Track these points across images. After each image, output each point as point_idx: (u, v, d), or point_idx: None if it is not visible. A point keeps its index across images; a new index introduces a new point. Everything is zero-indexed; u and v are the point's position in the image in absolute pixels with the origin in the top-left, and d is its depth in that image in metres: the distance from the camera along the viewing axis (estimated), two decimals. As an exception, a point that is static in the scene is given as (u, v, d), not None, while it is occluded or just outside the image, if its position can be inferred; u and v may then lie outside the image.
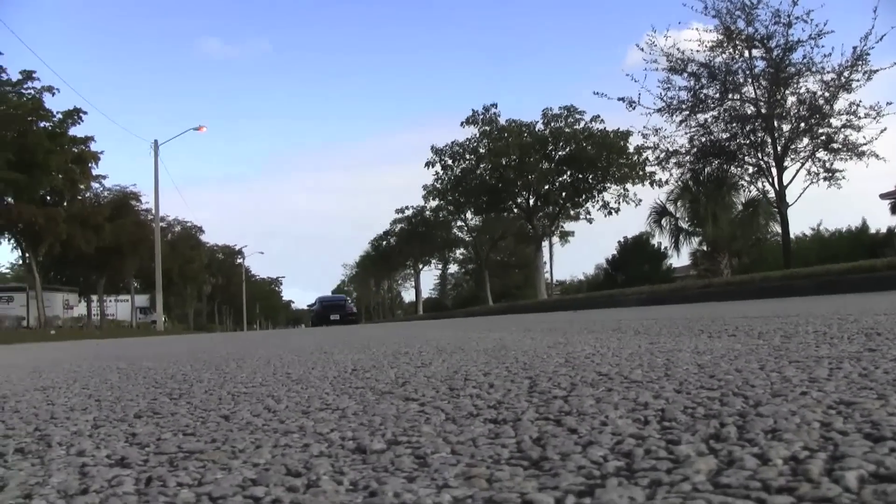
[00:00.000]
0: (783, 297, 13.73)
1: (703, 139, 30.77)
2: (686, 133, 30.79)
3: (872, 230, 44.48)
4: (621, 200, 46.93)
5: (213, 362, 5.38)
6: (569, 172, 47.79)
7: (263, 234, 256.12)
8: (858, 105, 27.31)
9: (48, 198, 44.47)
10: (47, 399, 3.31)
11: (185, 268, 71.68)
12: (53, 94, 39.64)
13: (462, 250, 77.77)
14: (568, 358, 3.53)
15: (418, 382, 2.92)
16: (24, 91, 39.29)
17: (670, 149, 31.17)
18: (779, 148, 28.61)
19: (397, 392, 2.65)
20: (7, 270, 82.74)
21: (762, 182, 30.55)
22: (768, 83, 28.84)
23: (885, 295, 10.15)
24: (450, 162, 49.60)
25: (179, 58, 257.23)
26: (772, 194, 29.82)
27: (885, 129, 27.04)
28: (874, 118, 27.05)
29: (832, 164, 28.41)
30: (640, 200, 45.58)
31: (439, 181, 50.94)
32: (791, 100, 28.68)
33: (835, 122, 27.94)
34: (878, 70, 26.82)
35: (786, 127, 28.85)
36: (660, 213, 38.46)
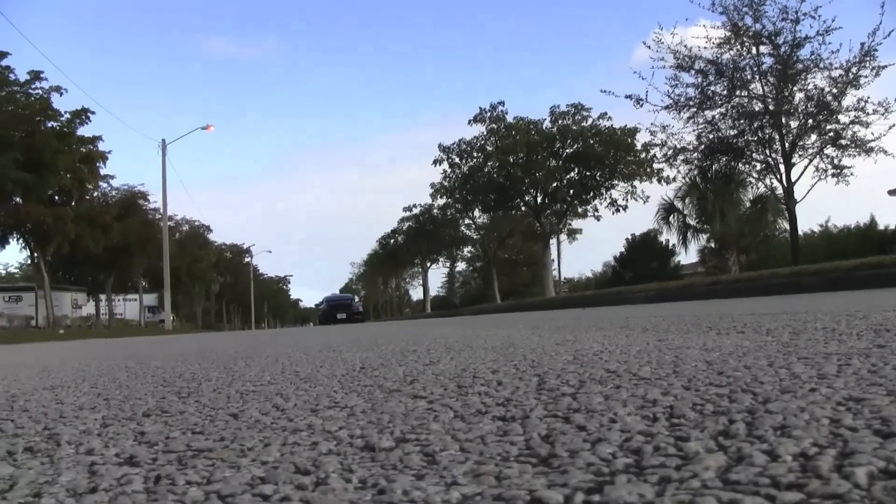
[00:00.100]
0: (791, 294, 13.70)
1: (711, 136, 30.73)
2: (694, 130, 30.78)
3: (881, 226, 44.35)
4: (629, 197, 46.90)
5: (221, 361, 5.38)
6: (576, 170, 47.72)
7: (271, 232, 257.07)
8: (866, 101, 27.26)
9: (56, 197, 44.48)
10: (56, 398, 3.31)
11: (193, 267, 71.79)
12: (61, 95, 39.71)
13: (470, 248, 77.67)
14: (576, 355, 3.52)
15: (426, 380, 2.92)
16: (31, 91, 39.34)
17: (678, 146, 31.17)
18: (787, 144, 28.54)
19: (405, 390, 2.65)
20: (16, 270, 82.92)
21: (770, 179, 30.55)
22: (776, 80, 28.77)
23: (893, 291, 10.11)
24: (457, 160, 49.59)
25: (186, 57, 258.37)
26: (780, 191, 29.78)
27: (893, 125, 26.99)
28: (882, 114, 27.01)
29: (840, 160, 28.37)
30: (648, 197, 45.54)
31: (447, 179, 50.97)
32: (799, 96, 28.63)
33: (843, 118, 27.88)
34: (886, 66, 26.79)
35: (794, 123, 28.79)
36: (667, 210, 38.45)
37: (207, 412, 2.45)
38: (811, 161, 28.74)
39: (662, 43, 29.44)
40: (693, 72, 29.74)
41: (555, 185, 48.18)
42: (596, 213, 49.62)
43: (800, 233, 31.85)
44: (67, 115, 41.32)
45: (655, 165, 41.40)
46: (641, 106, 30.46)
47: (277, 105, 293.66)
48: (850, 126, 27.72)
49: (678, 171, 33.31)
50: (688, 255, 53.19)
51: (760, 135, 29.62)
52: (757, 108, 29.55)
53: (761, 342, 3.46)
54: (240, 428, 2.04)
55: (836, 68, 27.35)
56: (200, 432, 2.02)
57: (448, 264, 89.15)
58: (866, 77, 26.98)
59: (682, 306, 11.74)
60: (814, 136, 28.62)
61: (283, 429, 1.97)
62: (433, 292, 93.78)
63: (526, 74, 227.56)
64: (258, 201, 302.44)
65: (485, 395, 2.33)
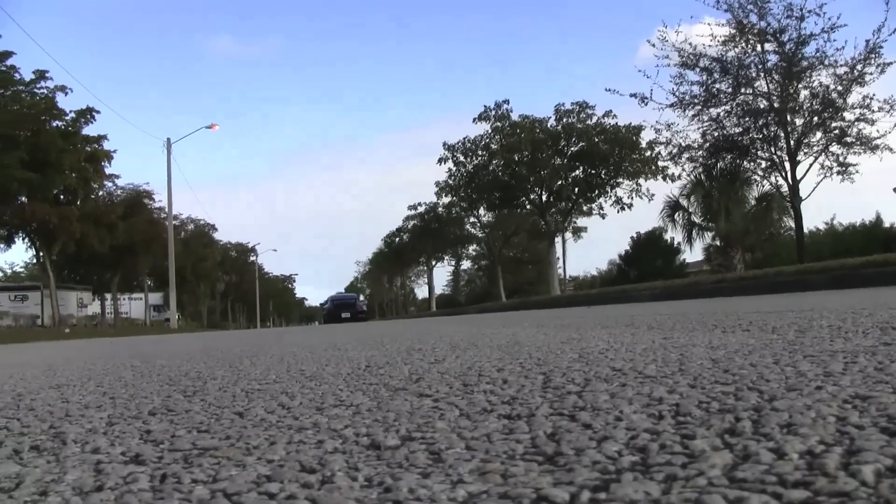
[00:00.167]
0: (797, 292, 13.67)
1: (716, 134, 30.71)
2: (698, 128, 30.75)
3: (886, 224, 44.31)
4: (634, 195, 46.81)
5: (226, 359, 5.39)
6: (581, 168, 47.66)
7: (277, 231, 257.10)
8: (872, 98, 27.23)
9: (61, 197, 44.62)
10: (62, 397, 3.32)
11: (198, 266, 71.94)
12: (66, 94, 39.81)
13: (475, 246, 77.71)
14: (581, 353, 3.52)
15: (432, 378, 2.92)
16: (36, 91, 39.43)
17: (683, 144, 31.15)
18: (792, 142, 28.50)
19: (411, 388, 2.65)
20: (21, 269, 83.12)
21: (775, 176, 30.49)
22: (781, 77, 28.72)
23: (899, 289, 10.10)
24: (462, 158, 49.56)
25: (191, 56, 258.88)
26: (785, 189, 29.72)
27: (898, 122, 26.92)
28: (888, 111, 26.95)
29: (845, 158, 28.34)
30: (653, 195, 45.49)
31: (452, 178, 50.94)
32: (804, 94, 28.57)
33: (848, 115, 27.84)
34: (891, 63, 26.76)
35: (799, 121, 28.73)
36: (673, 207, 38.36)
37: (213, 411, 2.45)
38: (816, 159, 28.72)
39: (667, 41, 29.44)
40: (698, 69, 29.73)
41: (560, 183, 48.09)
42: (601, 212, 49.52)
43: (805, 230, 31.81)
44: (72, 115, 41.44)
45: (660, 163, 41.41)
46: (646, 104, 30.51)
47: (281, 103, 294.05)
48: (856, 123, 27.70)
49: (683, 169, 33.29)
50: (693, 253, 53.29)
51: (765, 132, 29.59)
52: (762, 106, 29.50)
53: (767, 340, 3.46)
54: (245, 426, 2.05)
55: (841, 65, 27.33)
56: (206, 431, 2.02)
57: (453, 263, 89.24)
58: (871, 74, 26.96)
59: (688, 304, 11.73)
60: (819, 134, 28.59)
61: (289, 427, 1.97)
62: (438, 291, 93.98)
63: (530, 73, 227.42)
64: (263, 200, 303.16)
65: (490, 394, 2.33)
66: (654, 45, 29.68)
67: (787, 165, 28.79)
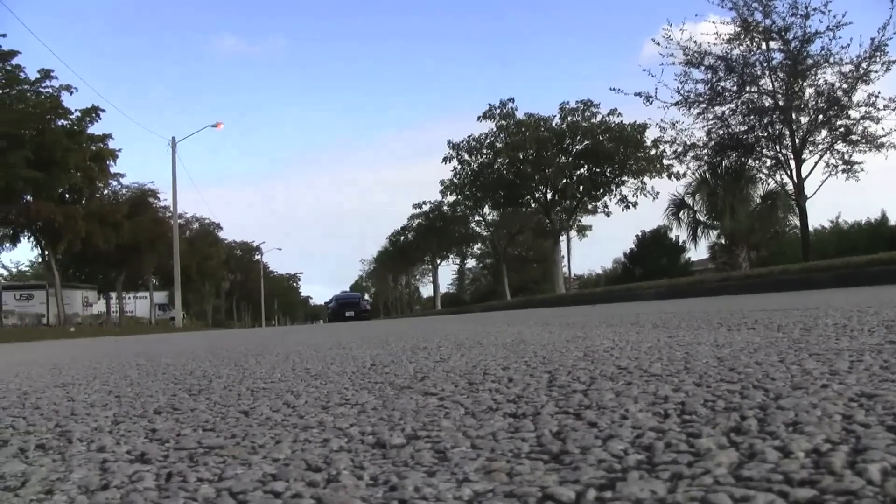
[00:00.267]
0: (802, 290, 13.65)
1: (721, 132, 30.64)
2: (703, 126, 30.67)
3: (892, 222, 44.15)
4: (639, 194, 46.70)
5: (231, 358, 5.39)
6: (586, 166, 47.58)
7: (282, 230, 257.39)
8: (877, 96, 27.12)
9: (67, 196, 44.61)
10: (67, 395, 3.32)
11: (203, 264, 71.99)
12: (71, 93, 39.77)
13: (480, 245, 77.61)
14: (587, 352, 3.52)
15: (437, 377, 2.92)
16: (42, 90, 39.43)
17: (688, 142, 31.11)
18: (797, 140, 28.43)
19: (416, 387, 2.65)
20: (27, 268, 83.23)
21: (780, 175, 30.42)
22: (786, 75, 28.65)
23: (905, 287, 10.08)
24: (467, 157, 49.53)
25: (195, 55, 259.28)
26: (790, 187, 29.65)
27: (904, 120, 26.88)
28: (893, 109, 26.87)
29: (851, 156, 28.25)
30: (658, 194, 45.37)
31: (457, 176, 50.91)
32: (809, 92, 28.47)
33: (853, 113, 27.74)
34: (896, 61, 26.64)
35: (804, 119, 28.65)
36: (678, 206, 38.37)
37: (218, 409, 2.45)
38: (821, 157, 28.63)
39: (672, 39, 29.37)
40: (703, 68, 29.66)
41: (564, 181, 48.04)
42: (606, 210, 49.43)
43: (810, 229, 31.71)
44: (77, 114, 41.40)
45: (665, 161, 41.36)
46: (651, 103, 30.43)
47: (286, 103, 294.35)
48: (861, 121, 27.61)
49: (688, 168, 33.26)
50: (698, 252, 53.23)
51: (770, 131, 29.52)
52: (767, 104, 29.43)
53: (772, 338, 3.45)
54: (251, 425, 2.05)
55: (846, 63, 27.23)
56: (211, 429, 2.03)
57: (458, 261, 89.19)
58: (877, 72, 26.86)
59: (693, 303, 11.71)
60: (824, 132, 28.50)
61: (294, 426, 1.98)
62: (443, 289, 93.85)
63: (531, 72, 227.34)
64: (268, 199, 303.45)
65: (496, 392, 2.33)
66: (658, 44, 29.64)
67: (793, 163, 28.72)
